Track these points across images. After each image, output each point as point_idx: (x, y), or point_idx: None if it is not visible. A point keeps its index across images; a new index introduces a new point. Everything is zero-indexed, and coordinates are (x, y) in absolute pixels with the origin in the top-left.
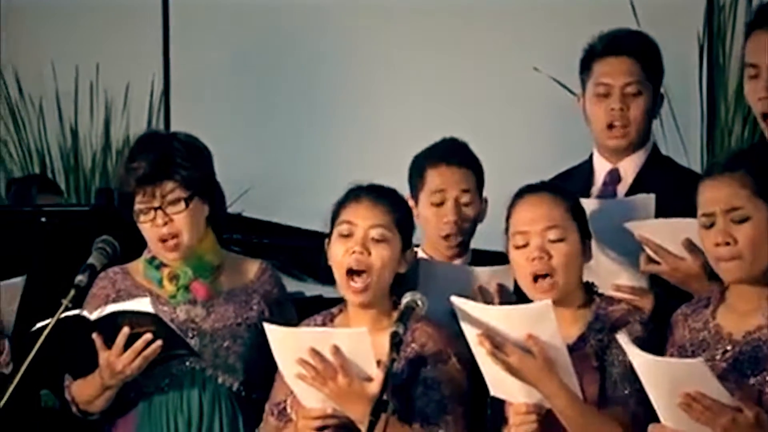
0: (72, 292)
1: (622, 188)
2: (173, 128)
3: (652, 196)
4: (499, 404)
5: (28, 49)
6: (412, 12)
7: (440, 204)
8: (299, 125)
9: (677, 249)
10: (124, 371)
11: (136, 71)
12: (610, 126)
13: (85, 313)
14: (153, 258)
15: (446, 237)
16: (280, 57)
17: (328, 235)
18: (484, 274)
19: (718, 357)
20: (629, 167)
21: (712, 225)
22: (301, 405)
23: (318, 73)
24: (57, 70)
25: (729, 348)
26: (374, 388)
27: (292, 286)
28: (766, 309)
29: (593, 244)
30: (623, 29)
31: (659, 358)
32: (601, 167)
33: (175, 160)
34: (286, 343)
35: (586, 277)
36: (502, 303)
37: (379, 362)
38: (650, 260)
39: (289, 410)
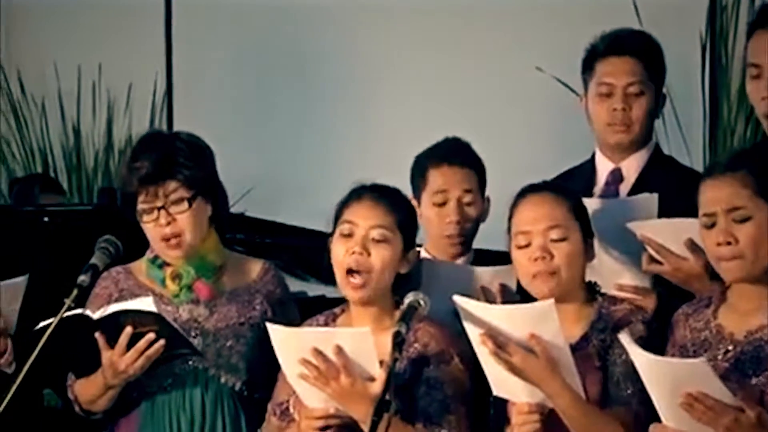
0: (75, 292)
1: (624, 188)
2: (176, 128)
3: (655, 195)
4: (502, 404)
5: (30, 48)
6: (414, 12)
7: (443, 204)
8: (302, 125)
9: (679, 249)
10: (126, 371)
11: (138, 71)
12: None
13: (88, 312)
14: (156, 257)
15: (449, 237)
16: (283, 57)
17: (331, 235)
18: (486, 274)
19: (719, 357)
20: (631, 167)
21: (713, 225)
22: (303, 405)
23: (320, 73)
24: (59, 69)
25: (731, 348)
26: (377, 388)
27: (294, 285)
28: (767, 309)
29: (596, 243)
30: (625, 29)
31: (661, 358)
32: (604, 167)
33: (178, 159)
34: (289, 343)
35: (589, 277)
36: (504, 303)
37: (381, 362)
38: (652, 260)
39: (291, 410)
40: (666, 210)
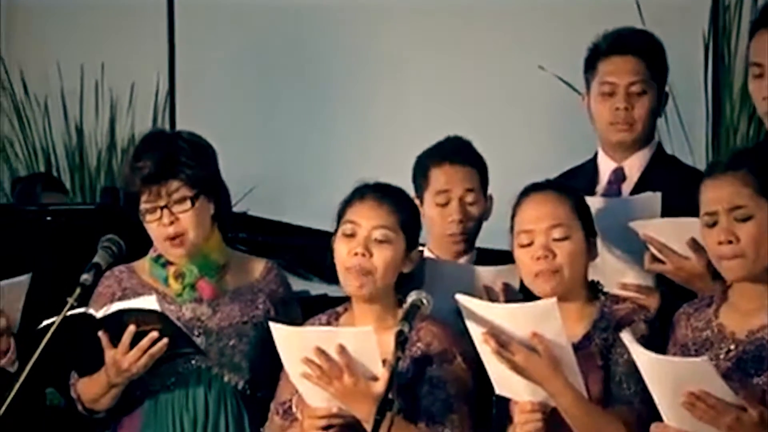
0: (77, 291)
1: (626, 187)
2: (178, 127)
3: (659, 194)
4: (505, 403)
5: (33, 47)
6: (415, 12)
7: (445, 204)
8: (304, 124)
9: (682, 248)
10: (130, 369)
11: (141, 70)
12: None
13: (91, 311)
14: (159, 256)
15: (451, 236)
16: (285, 56)
17: (334, 233)
18: (489, 273)
19: (721, 356)
20: (634, 166)
21: (714, 224)
22: (306, 404)
23: (322, 73)
24: (62, 69)
25: (732, 347)
26: (380, 387)
27: (297, 284)
28: None
29: (600, 242)
30: (628, 28)
31: (663, 357)
32: (606, 166)
33: (180, 158)
34: (292, 342)
35: (593, 276)
36: (507, 302)
37: (384, 361)
38: (655, 259)
39: (294, 409)
40: (668, 209)
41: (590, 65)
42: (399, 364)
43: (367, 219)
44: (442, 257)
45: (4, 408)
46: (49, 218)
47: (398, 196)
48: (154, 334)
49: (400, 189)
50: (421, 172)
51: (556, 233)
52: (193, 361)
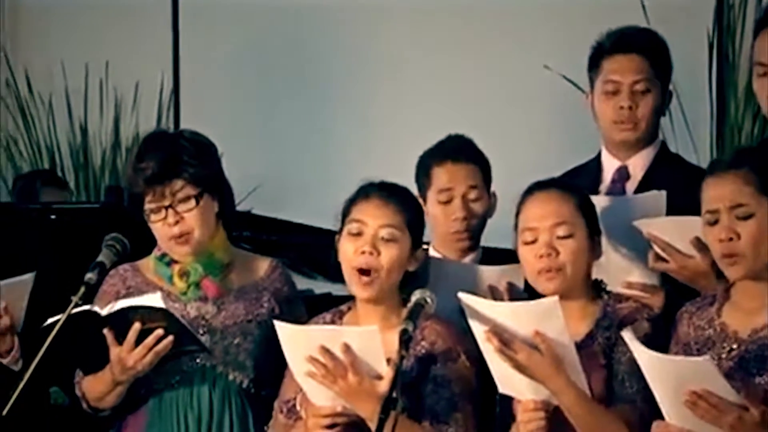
0: (82, 290)
1: (630, 185)
2: (183, 126)
3: (663, 193)
4: (508, 401)
5: (37, 47)
6: (418, 11)
7: (448, 202)
8: (307, 123)
9: (685, 247)
10: (135, 367)
11: (145, 69)
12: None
13: (96, 308)
14: (163, 255)
15: (455, 233)
16: (288, 56)
17: (338, 232)
18: (494, 273)
19: (723, 355)
20: (638, 164)
21: (716, 222)
22: (310, 403)
23: (325, 72)
24: (66, 67)
25: (735, 346)
26: (384, 386)
27: (301, 283)
28: None
29: (604, 241)
30: (631, 27)
31: (664, 356)
32: (610, 165)
33: (183, 158)
34: (296, 341)
35: (598, 274)
36: (512, 301)
37: (388, 360)
38: (659, 258)
39: (298, 408)
40: (672, 208)
41: (594, 64)
42: (403, 363)
43: (374, 218)
44: (446, 256)
45: (8, 407)
46: (53, 217)
47: (403, 195)
48: (159, 331)
49: (405, 188)
50: (423, 171)
51: (560, 231)
52: (198, 360)
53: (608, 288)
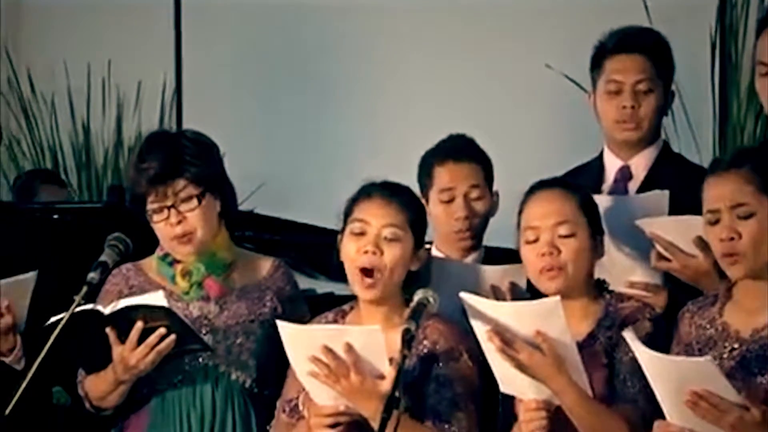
0: (84, 289)
1: (633, 185)
2: (185, 126)
3: (666, 192)
4: (510, 401)
5: (40, 46)
6: (422, 11)
7: (450, 201)
8: (311, 123)
9: (688, 246)
10: (137, 366)
11: (148, 68)
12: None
13: (98, 307)
14: (166, 255)
15: (458, 232)
16: (292, 55)
17: (341, 232)
18: (496, 272)
19: (725, 355)
20: (640, 164)
21: (717, 221)
22: (313, 402)
23: (329, 72)
24: (69, 67)
25: (736, 346)
26: (386, 385)
27: (303, 283)
28: None
29: (607, 240)
30: (634, 26)
31: (665, 356)
32: (612, 164)
33: (185, 157)
34: (299, 341)
35: (600, 274)
36: (514, 301)
37: (391, 359)
38: (661, 257)
39: (301, 407)
40: (675, 207)
41: (596, 63)
42: (405, 363)
43: (377, 217)
44: (449, 255)
45: (11, 406)
46: (55, 216)
47: (406, 195)
48: (162, 330)
49: (407, 187)
50: (425, 171)
51: (562, 230)
52: (201, 359)
53: (610, 287)
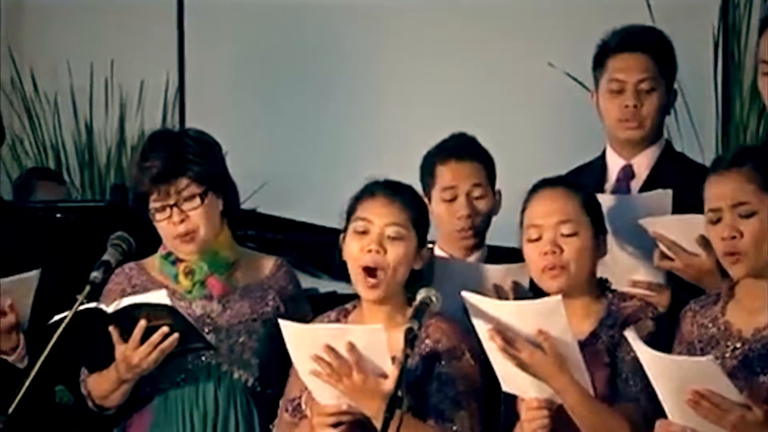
0: (87, 288)
1: (635, 184)
2: (188, 125)
3: (669, 192)
4: (512, 400)
5: (43, 45)
6: (424, 11)
7: (452, 200)
8: (313, 122)
9: (691, 245)
10: (140, 364)
11: (150, 68)
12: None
13: (102, 306)
14: (169, 254)
15: (460, 231)
16: (294, 54)
17: (343, 231)
18: (498, 272)
19: (727, 354)
20: (643, 163)
21: (718, 220)
22: (315, 401)
23: (332, 71)
24: (72, 66)
25: (738, 345)
26: (389, 384)
27: (306, 282)
28: None
29: (611, 239)
30: (636, 25)
31: (667, 356)
32: (615, 163)
33: (188, 156)
34: (301, 340)
35: (603, 273)
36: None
37: (393, 359)
38: (664, 256)
39: (303, 406)
40: (677, 206)
41: (599, 62)
42: (408, 362)
43: (380, 216)
44: (451, 254)
45: (14, 404)
46: (58, 215)
47: (409, 193)
48: (165, 329)
49: (410, 186)
50: (427, 170)
51: (565, 229)
52: (203, 358)
53: (613, 286)
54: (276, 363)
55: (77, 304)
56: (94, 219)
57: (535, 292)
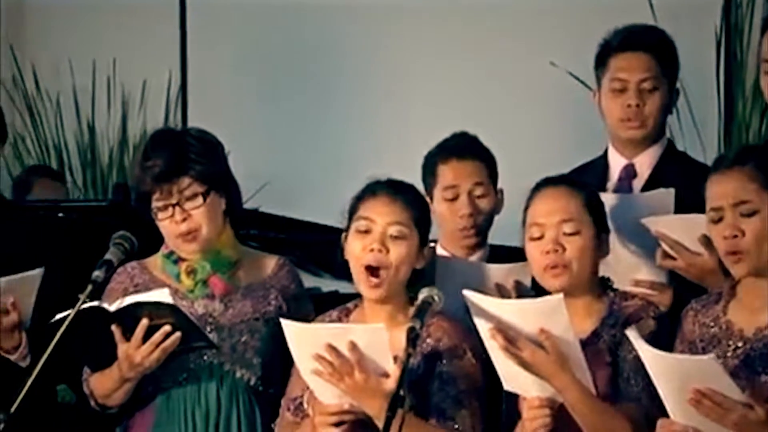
0: (89, 288)
1: (637, 183)
2: (190, 124)
3: (672, 191)
4: (514, 399)
5: (45, 44)
6: (426, 11)
7: (454, 199)
8: (316, 121)
9: (693, 244)
10: (143, 363)
11: (153, 67)
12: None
13: (104, 305)
14: (171, 253)
15: (462, 230)
16: (296, 54)
17: (345, 230)
18: (501, 271)
19: (729, 354)
20: (645, 162)
21: (720, 219)
22: (317, 400)
23: (335, 71)
24: (74, 65)
25: (740, 345)
26: (391, 383)
27: (308, 281)
28: None
29: (614, 239)
30: (638, 25)
31: (669, 354)
32: (617, 163)
33: (190, 155)
34: (303, 339)
35: (605, 272)
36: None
37: (395, 358)
38: (666, 255)
39: (305, 405)
40: (679, 205)
41: (601, 62)
42: (410, 361)
43: (382, 215)
44: (453, 253)
45: (16, 404)
46: (60, 215)
47: (411, 193)
48: (167, 327)
49: (412, 185)
50: (429, 170)
51: (567, 228)
52: (206, 357)
53: (616, 285)
54: (278, 362)
55: (79, 303)
56: (96, 218)
57: (538, 291)
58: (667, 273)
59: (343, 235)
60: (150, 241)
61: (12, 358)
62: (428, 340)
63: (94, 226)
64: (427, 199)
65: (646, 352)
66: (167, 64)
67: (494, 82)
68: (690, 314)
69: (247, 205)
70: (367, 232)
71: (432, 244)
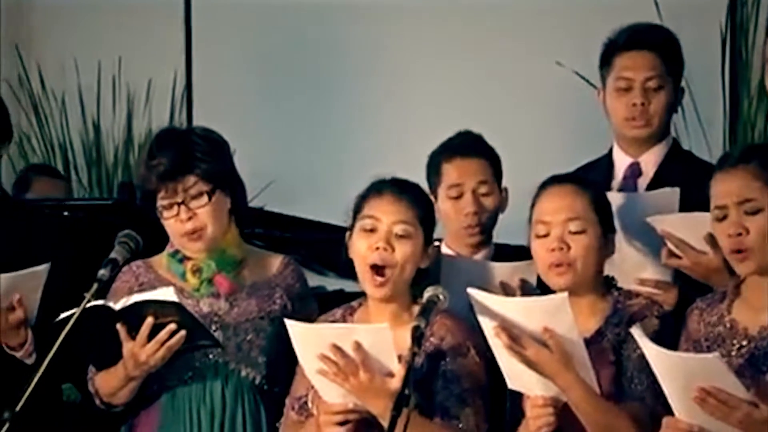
0: (94, 286)
1: (642, 182)
2: (195, 123)
3: (677, 190)
4: (518, 397)
5: (50, 43)
6: (429, 10)
7: (458, 197)
8: (320, 120)
9: (699, 243)
10: (148, 362)
11: (158, 66)
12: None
13: (109, 303)
14: (176, 252)
15: (467, 228)
16: (301, 53)
17: (350, 229)
18: (506, 269)
19: (733, 352)
20: (650, 161)
21: (724, 217)
22: (322, 400)
23: (339, 70)
24: (79, 64)
25: (745, 343)
26: (395, 383)
27: (313, 280)
28: None
29: (619, 237)
30: (644, 23)
31: (673, 353)
32: (622, 161)
33: (195, 154)
34: (308, 339)
35: (611, 271)
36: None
37: (400, 357)
38: (672, 254)
39: (310, 405)
40: (684, 204)
41: (606, 60)
42: (414, 360)
43: (387, 214)
44: (458, 252)
45: (21, 403)
46: (66, 213)
47: (415, 191)
48: (172, 326)
49: (417, 184)
50: (433, 169)
51: (572, 226)
52: (211, 356)
53: (621, 284)
54: (283, 361)
55: (85, 301)
56: (101, 217)
57: (543, 290)
58: (672, 272)
59: (348, 233)
60: (155, 239)
61: (18, 355)
62: (432, 339)
63: (99, 224)
64: (432, 197)
65: (651, 351)
66: (172, 64)
67: (496, 82)
68: (695, 313)
69: (252, 204)
70: (372, 230)
71: (437, 243)
